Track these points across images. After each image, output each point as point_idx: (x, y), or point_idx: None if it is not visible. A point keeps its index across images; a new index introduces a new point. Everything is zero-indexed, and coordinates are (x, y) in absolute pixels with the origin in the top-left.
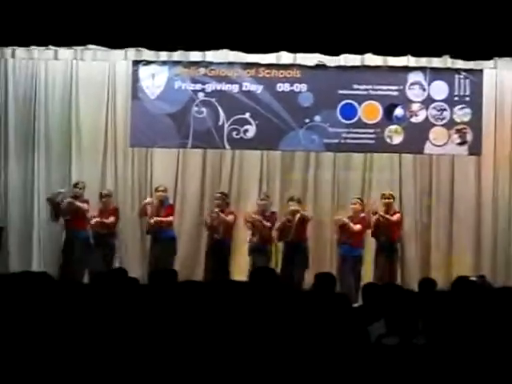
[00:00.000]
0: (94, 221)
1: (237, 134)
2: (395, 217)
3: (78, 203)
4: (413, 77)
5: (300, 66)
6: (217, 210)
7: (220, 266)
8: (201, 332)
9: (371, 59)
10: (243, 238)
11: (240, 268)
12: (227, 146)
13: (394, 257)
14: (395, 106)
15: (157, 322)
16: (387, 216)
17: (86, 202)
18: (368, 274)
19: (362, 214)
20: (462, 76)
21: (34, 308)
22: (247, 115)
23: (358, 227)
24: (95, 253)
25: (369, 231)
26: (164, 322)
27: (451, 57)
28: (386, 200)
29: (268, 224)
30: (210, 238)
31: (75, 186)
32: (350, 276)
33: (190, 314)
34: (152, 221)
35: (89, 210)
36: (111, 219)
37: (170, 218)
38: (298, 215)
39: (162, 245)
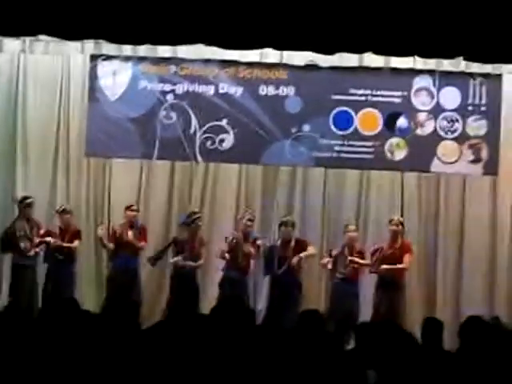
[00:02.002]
0: (52, 243)
1: (211, 144)
2: (406, 258)
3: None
4: (419, 81)
5: (287, 66)
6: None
7: (188, 300)
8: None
9: (371, 60)
10: (214, 267)
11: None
12: (199, 158)
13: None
14: (398, 115)
15: (111, 360)
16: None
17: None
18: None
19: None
20: (477, 82)
21: None
22: (224, 122)
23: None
24: (49, 281)
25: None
26: (120, 360)
27: (465, 59)
28: (394, 227)
29: (251, 250)
30: (175, 267)
31: (23, 202)
32: (342, 314)
33: (152, 354)
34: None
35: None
36: (75, 243)
37: (143, 244)
38: (292, 243)
39: (124, 274)
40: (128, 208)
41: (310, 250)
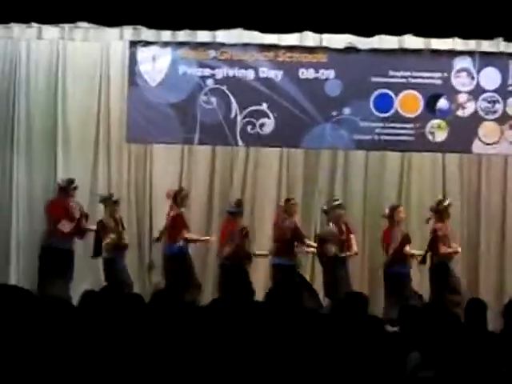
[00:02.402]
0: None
1: (252, 129)
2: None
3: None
4: (459, 63)
5: (327, 49)
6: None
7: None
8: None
9: (411, 41)
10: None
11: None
12: (240, 143)
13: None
14: (438, 96)
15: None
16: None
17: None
18: None
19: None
20: None
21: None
22: (264, 106)
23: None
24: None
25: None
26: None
27: (505, 39)
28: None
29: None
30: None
31: (70, 183)
32: (395, 297)
33: (202, 336)
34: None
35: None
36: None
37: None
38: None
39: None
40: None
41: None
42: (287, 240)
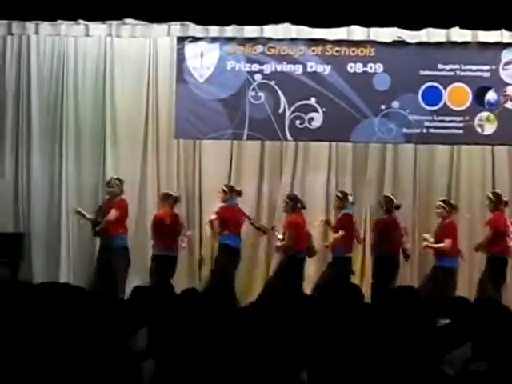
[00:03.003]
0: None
1: (301, 123)
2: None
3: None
4: (508, 55)
5: (375, 43)
6: None
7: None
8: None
9: (458, 34)
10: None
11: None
12: (289, 137)
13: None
14: (487, 89)
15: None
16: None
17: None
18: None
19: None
20: None
21: (61, 326)
22: (313, 101)
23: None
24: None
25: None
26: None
27: None
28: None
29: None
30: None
31: (108, 184)
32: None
33: (248, 335)
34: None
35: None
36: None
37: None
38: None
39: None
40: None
41: None
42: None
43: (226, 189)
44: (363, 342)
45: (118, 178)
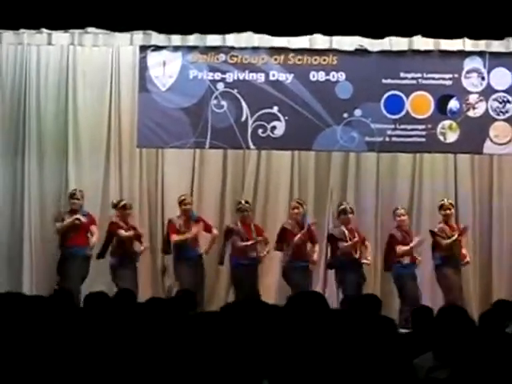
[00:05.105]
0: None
1: (263, 132)
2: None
3: (80, 217)
4: (470, 63)
5: (337, 52)
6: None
7: (250, 289)
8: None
9: (421, 43)
10: (271, 256)
11: (269, 291)
12: (252, 146)
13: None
14: (449, 97)
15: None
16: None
17: (88, 215)
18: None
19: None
20: None
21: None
22: (275, 109)
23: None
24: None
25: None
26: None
27: None
28: (448, 211)
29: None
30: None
31: (72, 197)
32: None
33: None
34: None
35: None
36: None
37: (215, 232)
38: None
39: (189, 264)
40: (182, 202)
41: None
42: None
43: None
44: (324, 350)
45: (80, 190)
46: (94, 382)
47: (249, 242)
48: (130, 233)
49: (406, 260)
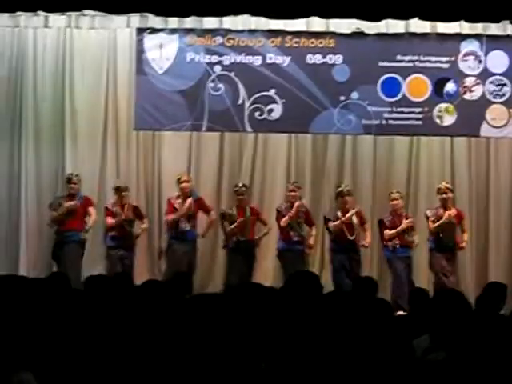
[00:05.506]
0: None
1: (260, 115)
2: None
3: (71, 203)
4: (467, 46)
5: (334, 34)
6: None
7: (246, 270)
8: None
9: (418, 25)
10: (268, 239)
11: (266, 273)
12: (249, 129)
13: (455, 261)
14: (446, 80)
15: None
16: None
17: (85, 198)
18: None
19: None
20: None
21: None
22: (272, 92)
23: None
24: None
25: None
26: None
27: None
28: (444, 195)
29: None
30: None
31: (69, 181)
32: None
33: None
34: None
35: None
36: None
37: (212, 216)
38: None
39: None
40: (178, 181)
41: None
42: None
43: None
44: (321, 333)
45: (77, 174)
46: (92, 362)
47: (234, 225)
48: (117, 219)
49: (394, 244)
